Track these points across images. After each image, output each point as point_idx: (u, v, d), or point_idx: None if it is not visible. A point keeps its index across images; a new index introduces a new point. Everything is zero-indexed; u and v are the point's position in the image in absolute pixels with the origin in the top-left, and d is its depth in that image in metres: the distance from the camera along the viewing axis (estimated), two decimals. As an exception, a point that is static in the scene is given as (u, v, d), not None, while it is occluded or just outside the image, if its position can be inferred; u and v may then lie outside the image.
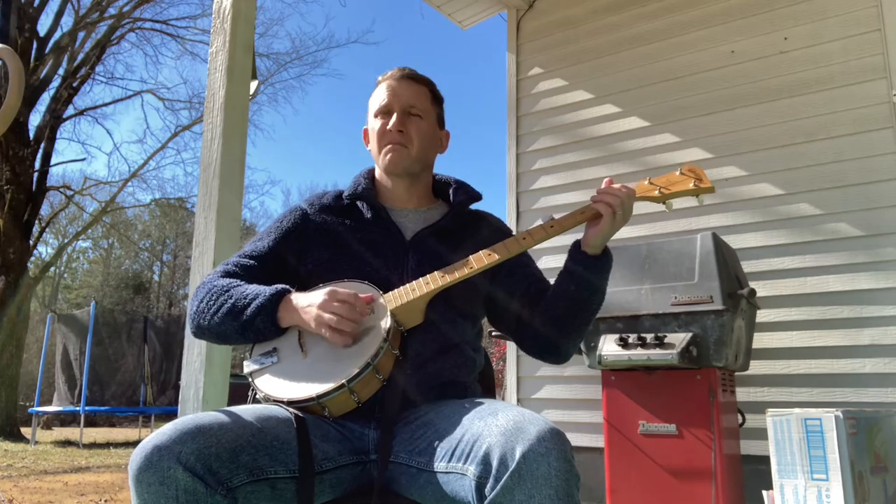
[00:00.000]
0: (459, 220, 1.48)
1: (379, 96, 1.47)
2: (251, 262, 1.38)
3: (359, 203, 1.47)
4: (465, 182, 1.54)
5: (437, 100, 1.51)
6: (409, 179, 1.46)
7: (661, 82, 3.59)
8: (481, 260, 1.31)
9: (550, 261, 3.31)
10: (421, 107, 1.45)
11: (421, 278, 1.30)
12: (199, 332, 1.34)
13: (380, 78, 1.50)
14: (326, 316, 1.20)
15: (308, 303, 1.23)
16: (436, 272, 1.30)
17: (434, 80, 1.53)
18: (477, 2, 4.25)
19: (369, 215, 1.44)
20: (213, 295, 1.30)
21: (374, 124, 1.47)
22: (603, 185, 1.34)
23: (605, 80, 3.77)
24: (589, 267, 1.33)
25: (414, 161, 1.44)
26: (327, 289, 1.23)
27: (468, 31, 4.59)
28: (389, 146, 1.42)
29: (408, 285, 1.30)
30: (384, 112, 1.45)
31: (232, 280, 1.33)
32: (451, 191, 1.51)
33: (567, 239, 1.41)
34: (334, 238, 1.40)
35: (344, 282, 1.32)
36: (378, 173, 1.50)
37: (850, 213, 3.01)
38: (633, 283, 2.61)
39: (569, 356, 1.42)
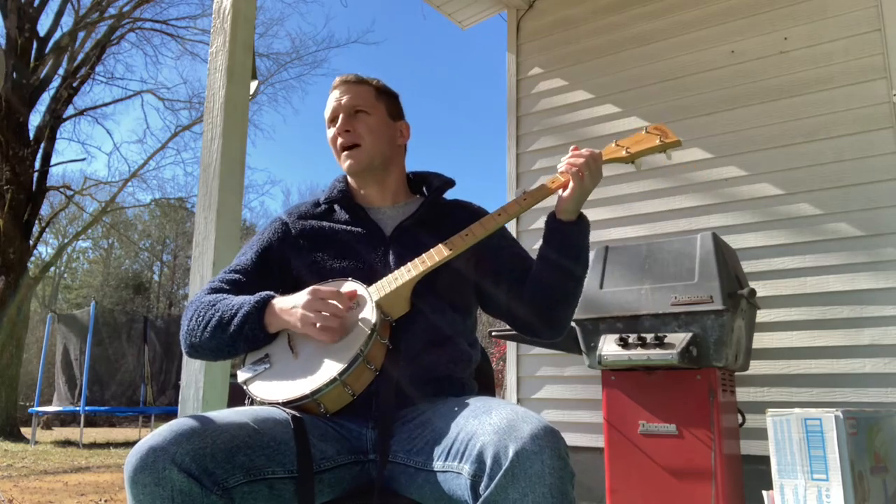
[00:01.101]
0: (436, 209, 1.49)
1: (327, 107, 1.50)
2: (237, 276, 1.40)
3: (336, 206, 1.49)
4: (438, 172, 1.56)
5: (383, 94, 1.52)
6: (376, 176, 1.48)
7: (661, 82, 3.58)
8: (460, 241, 1.33)
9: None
10: (365, 104, 1.47)
11: (402, 267, 1.32)
12: (193, 351, 1.35)
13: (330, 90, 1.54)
14: (311, 315, 1.20)
15: (292, 304, 1.24)
16: (416, 259, 1.32)
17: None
18: (477, 2, 4.24)
19: (347, 217, 1.46)
20: (200, 312, 1.32)
21: (328, 133, 1.50)
22: (570, 152, 1.38)
23: (605, 80, 3.77)
24: (566, 232, 1.35)
25: (372, 158, 1.45)
26: (309, 288, 1.24)
27: (468, 31, 4.59)
28: (344, 152, 1.45)
29: (391, 275, 1.31)
30: (331, 120, 1.48)
31: (218, 295, 1.34)
32: (425, 182, 1.53)
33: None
34: (316, 242, 1.42)
35: (328, 281, 1.33)
36: (350, 178, 1.52)
37: (850, 213, 3.01)
38: (633, 283, 2.61)
39: (562, 333, 1.43)
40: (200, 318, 1.31)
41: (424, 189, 1.53)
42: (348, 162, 1.45)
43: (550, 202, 1.40)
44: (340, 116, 1.46)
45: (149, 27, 14.88)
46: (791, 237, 3.12)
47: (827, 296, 3.00)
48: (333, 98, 1.49)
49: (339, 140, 1.45)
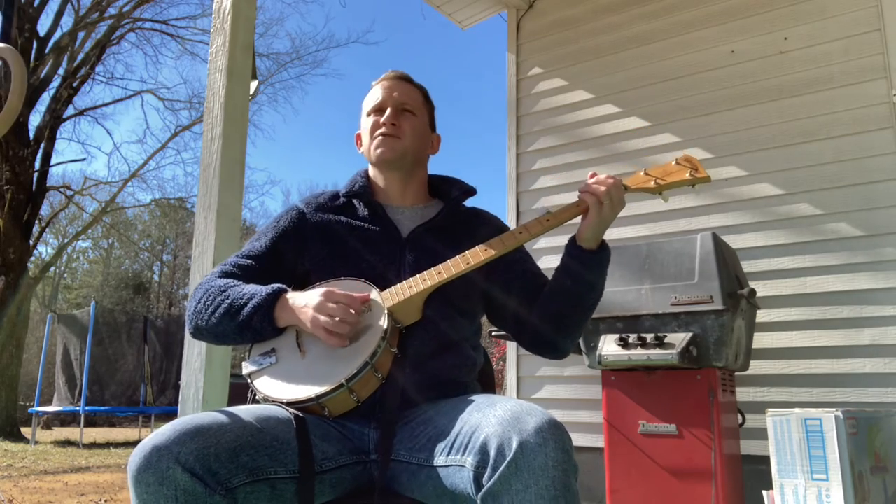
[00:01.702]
0: (455, 216, 1.48)
1: (373, 96, 1.50)
2: (249, 262, 1.39)
3: (355, 201, 1.47)
4: (459, 178, 1.56)
5: (429, 103, 1.54)
6: (401, 174, 1.47)
7: (661, 82, 3.59)
8: (478, 255, 1.31)
9: (550, 261, 3.31)
10: (413, 104, 1.48)
11: (418, 275, 1.30)
12: (198, 333, 1.34)
13: (374, 82, 1.53)
14: (322, 318, 1.19)
15: (304, 303, 1.23)
16: (432, 269, 1.30)
17: (434, 80, 1.56)
18: (477, 2, 4.25)
19: (366, 213, 1.45)
20: (210, 295, 1.30)
21: (367, 122, 1.49)
22: (589, 178, 1.34)
23: (605, 80, 3.77)
24: (584, 261, 1.33)
25: (406, 152, 1.45)
26: (323, 289, 1.23)
27: (468, 31, 4.59)
28: (381, 138, 1.44)
29: (405, 282, 1.30)
30: (378, 109, 1.47)
31: (229, 280, 1.33)
32: (445, 188, 1.52)
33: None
34: (331, 236, 1.41)
35: (341, 280, 1.32)
36: (373, 172, 1.51)
37: (850, 213, 3.01)
38: (633, 283, 2.61)
39: (567, 352, 1.43)
40: (209, 302, 1.30)
41: (446, 192, 1.52)
42: (381, 149, 1.43)
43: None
44: (389, 109, 1.45)
45: (149, 27, 14.89)
46: (791, 237, 3.12)
47: (827, 296, 3.00)
48: (383, 88, 1.48)
49: (383, 129, 1.44)
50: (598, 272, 1.35)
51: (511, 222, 3.89)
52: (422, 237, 1.41)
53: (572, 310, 1.36)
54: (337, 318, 1.19)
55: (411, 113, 1.47)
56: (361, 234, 1.40)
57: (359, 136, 1.55)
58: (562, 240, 1.45)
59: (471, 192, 1.53)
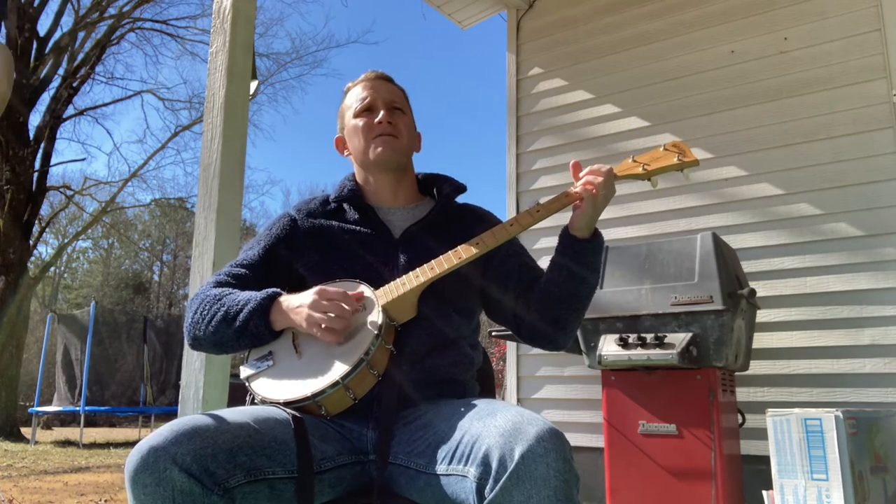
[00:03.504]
0: (447, 213, 1.48)
1: (357, 96, 1.48)
2: (243, 270, 1.39)
3: (345, 205, 1.47)
4: (449, 175, 1.55)
5: (408, 101, 1.54)
6: (396, 174, 1.47)
7: (661, 82, 3.59)
8: (470, 249, 1.31)
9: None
10: (401, 103, 1.49)
11: (411, 272, 1.31)
12: (196, 344, 1.34)
13: (350, 84, 1.53)
14: (317, 315, 1.20)
15: (299, 303, 1.23)
16: (425, 265, 1.31)
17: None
18: (477, 2, 4.25)
19: (356, 216, 1.45)
20: (206, 305, 1.31)
21: (355, 123, 1.47)
22: (583, 169, 1.36)
23: (605, 80, 3.77)
24: (578, 249, 1.33)
25: (404, 152, 1.46)
26: (317, 288, 1.24)
27: (468, 31, 4.59)
28: (380, 138, 1.43)
29: (398, 280, 1.31)
30: (367, 109, 1.46)
31: (224, 289, 1.34)
32: (435, 186, 1.53)
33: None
34: (324, 241, 1.41)
35: (336, 281, 1.32)
36: (362, 176, 1.50)
37: (850, 213, 3.01)
38: (633, 283, 2.61)
39: (567, 343, 1.42)
40: (205, 312, 1.30)
41: (435, 192, 1.52)
42: (381, 148, 1.42)
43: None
44: (382, 110, 1.44)
45: (149, 27, 14.88)
46: (791, 237, 3.12)
47: (827, 296, 3.00)
48: (367, 88, 1.48)
49: (378, 128, 1.43)
50: (592, 260, 1.35)
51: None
52: (414, 236, 1.41)
53: (571, 300, 1.36)
54: (331, 315, 1.19)
55: (401, 111, 1.47)
56: (354, 237, 1.41)
57: (340, 140, 1.54)
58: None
59: (461, 188, 1.52)
